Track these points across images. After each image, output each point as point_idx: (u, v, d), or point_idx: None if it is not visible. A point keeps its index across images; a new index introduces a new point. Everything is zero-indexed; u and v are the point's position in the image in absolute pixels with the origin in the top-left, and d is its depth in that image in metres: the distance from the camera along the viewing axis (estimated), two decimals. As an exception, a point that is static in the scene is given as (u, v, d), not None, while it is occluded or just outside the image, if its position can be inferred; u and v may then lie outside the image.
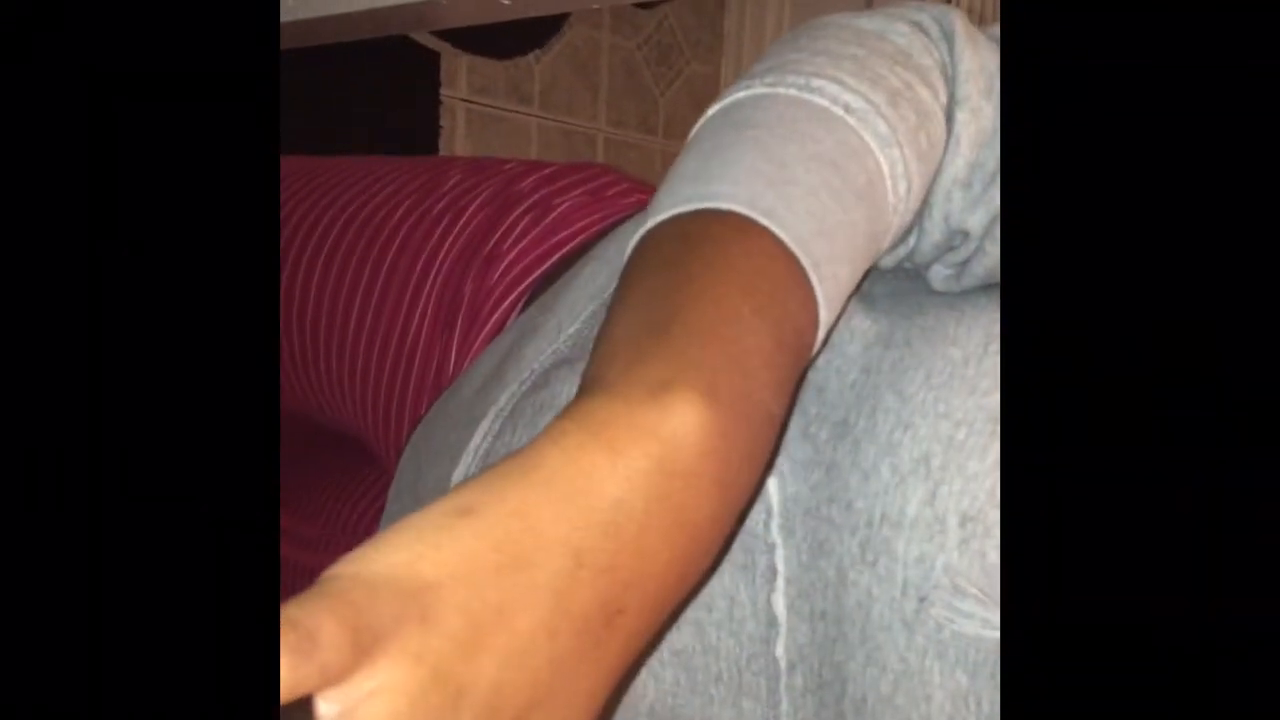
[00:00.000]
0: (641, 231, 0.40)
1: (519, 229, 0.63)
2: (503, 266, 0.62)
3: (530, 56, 1.92)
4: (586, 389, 0.35)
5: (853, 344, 0.43)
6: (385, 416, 0.66)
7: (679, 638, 0.44)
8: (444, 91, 1.82)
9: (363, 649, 0.28)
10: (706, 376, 0.34)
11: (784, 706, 0.42)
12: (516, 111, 1.94)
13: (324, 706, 0.28)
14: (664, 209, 0.40)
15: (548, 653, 0.31)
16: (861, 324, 0.44)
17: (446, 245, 0.64)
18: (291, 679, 0.27)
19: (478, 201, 0.65)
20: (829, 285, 0.38)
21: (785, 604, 0.42)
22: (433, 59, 1.77)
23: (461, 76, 1.82)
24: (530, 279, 0.62)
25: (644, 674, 0.45)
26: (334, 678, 0.27)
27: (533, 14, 1.00)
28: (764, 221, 0.38)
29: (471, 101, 1.87)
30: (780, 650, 0.42)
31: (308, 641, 0.27)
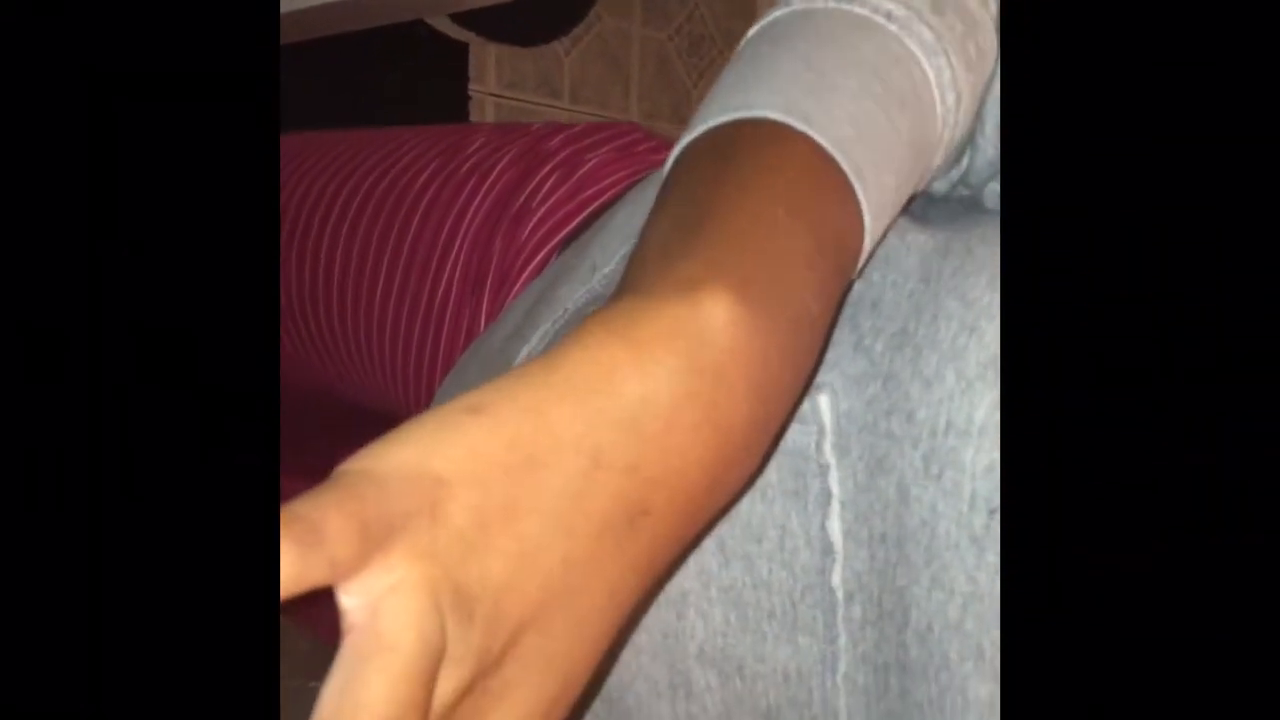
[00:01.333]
0: (678, 147, 0.39)
1: (547, 186, 0.62)
2: (532, 223, 0.61)
3: (560, 49, 1.90)
4: (614, 295, 0.34)
5: (909, 257, 0.42)
6: (416, 379, 0.65)
7: (727, 573, 0.42)
8: (473, 86, 1.81)
9: (374, 542, 0.27)
10: (737, 274, 0.33)
11: (842, 641, 0.40)
12: (547, 105, 1.93)
13: (346, 600, 0.27)
14: (700, 123, 0.39)
15: (562, 553, 0.30)
16: (917, 238, 0.42)
17: (474, 205, 0.63)
18: (296, 570, 0.26)
19: (505, 161, 0.64)
20: (873, 192, 0.37)
21: (841, 529, 0.39)
22: (460, 51, 1.76)
23: (490, 70, 1.81)
24: (560, 235, 0.61)
25: (691, 614, 0.43)
26: (344, 571, 0.27)
27: None
28: (801, 127, 0.37)
29: (501, 96, 1.86)
30: (837, 580, 0.40)
31: (312, 534, 0.26)
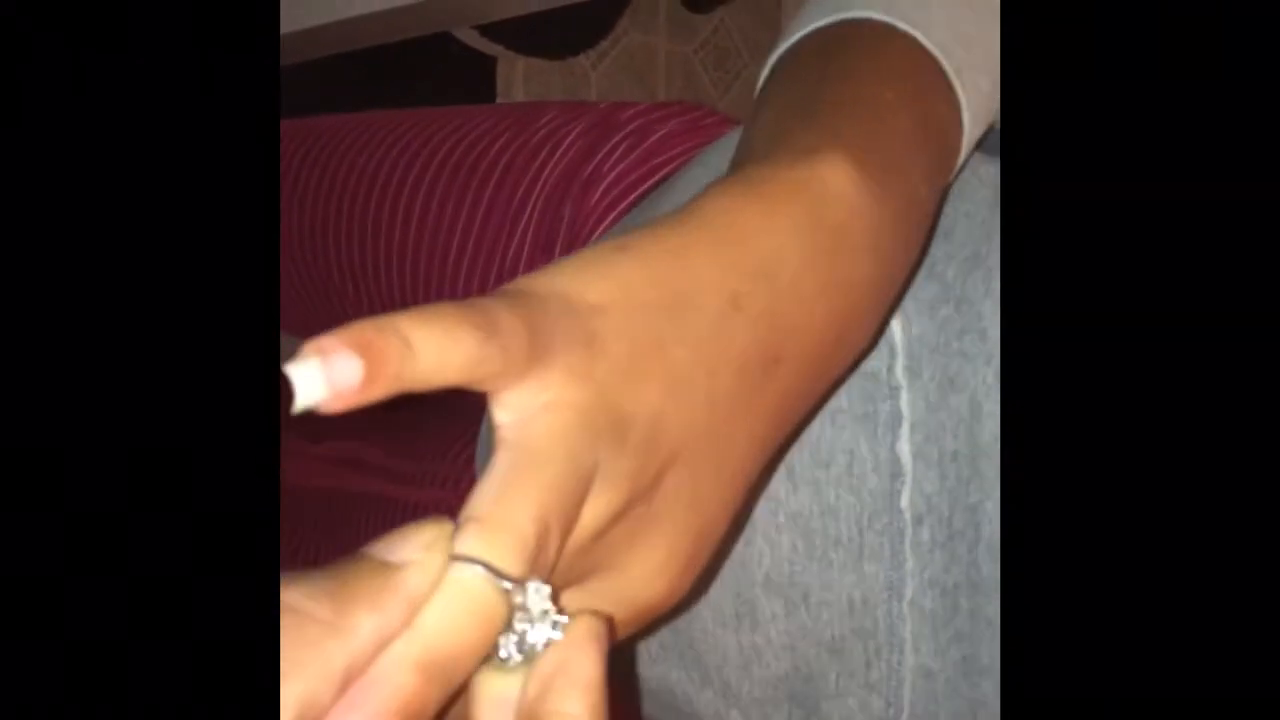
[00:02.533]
0: (775, 53, 0.40)
1: (618, 153, 0.64)
2: (602, 188, 0.63)
3: (586, 63, 1.90)
4: (731, 169, 0.35)
5: (982, 189, 0.43)
6: None
7: (795, 500, 0.42)
8: (501, 99, 1.81)
9: (537, 354, 0.27)
10: (854, 144, 0.34)
11: (909, 566, 0.41)
12: (574, 119, 1.93)
13: (500, 414, 0.27)
14: (797, 29, 0.40)
15: (705, 389, 0.30)
16: (989, 171, 0.43)
17: (546, 172, 0.65)
18: (475, 355, 0.26)
19: (576, 131, 0.66)
20: (971, 93, 0.38)
21: (911, 450, 0.40)
22: (489, 65, 1.76)
23: (518, 84, 1.81)
24: (629, 199, 0.63)
25: (758, 540, 0.43)
26: (514, 369, 0.27)
27: None
28: (903, 26, 0.38)
29: (529, 110, 1.86)
30: (905, 502, 0.40)
31: (488, 322, 0.26)
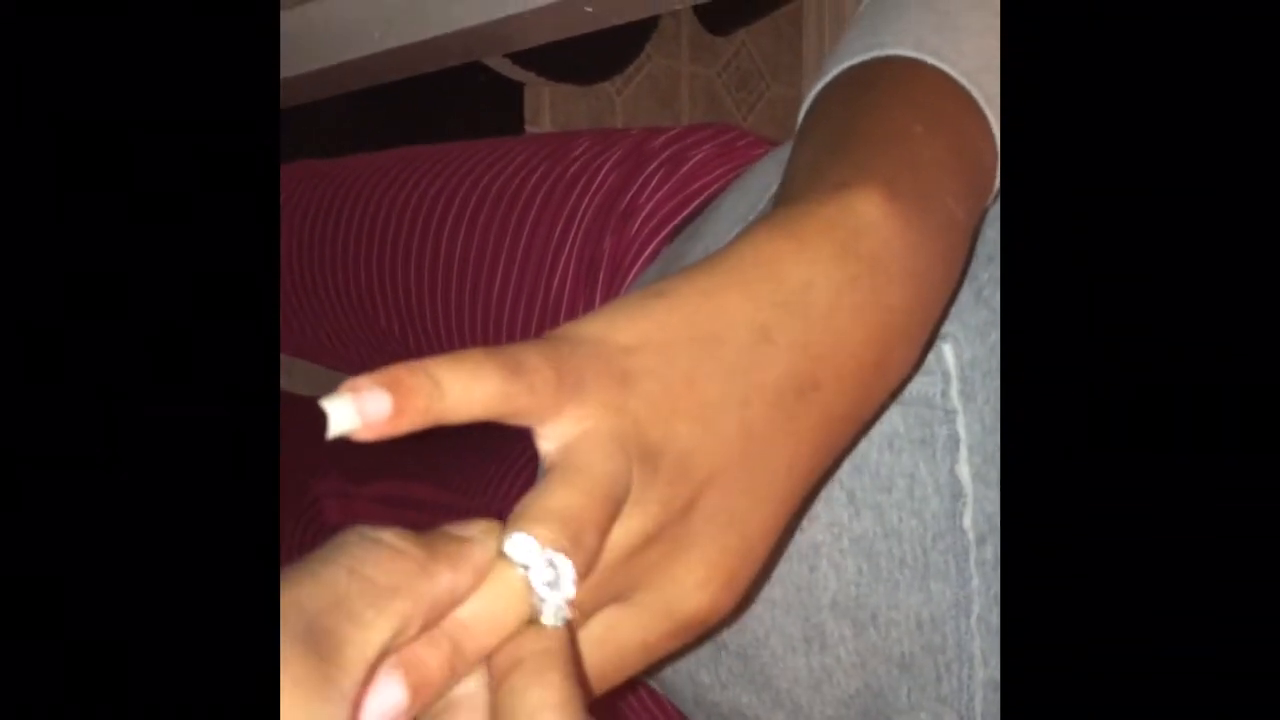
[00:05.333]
0: (811, 94, 0.41)
1: (654, 182, 0.64)
2: (641, 218, 0.63)
3: (611, 89, 1.92)
4: (771, 209, 0.36)
5: None
6: None
7: (858, 524, 0.43)
8: (529, 126, 1.83)
9: (566, 391, 0.30)
10: (883, 175, 0.35)
11: (975, 583, 0.41)
12: (600, 144, 1.94)
13: (543, 444, 0.30)
14: (832, 67, 0.41)
15: (739, 420, 0.32)
16: None
17: (583, 206, 0.65)
18: (500, 390, 0.29)
19: (610, 163, 0.66)
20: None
21: (970, 472, 0.41)
22: (516, 92, 1.78)
23: (545, 111, 1.83)
24: (669, 227, 0.62)
25: (824, 565, 0.44)
26: (542, 405, 0.29)
27: (615, 21, 1.01)
28: (932, 60, 0.39)
29: (555, 136, 1.88)
30: (968, 523, 0.41)
31: (513, 363, 0.29)
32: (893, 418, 0.42)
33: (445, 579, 0.27)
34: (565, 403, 0.30)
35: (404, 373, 0.28)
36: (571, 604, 0.29)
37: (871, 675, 0.44)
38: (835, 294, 0.33)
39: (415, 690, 0.26)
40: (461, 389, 0.28)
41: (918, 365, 0.38)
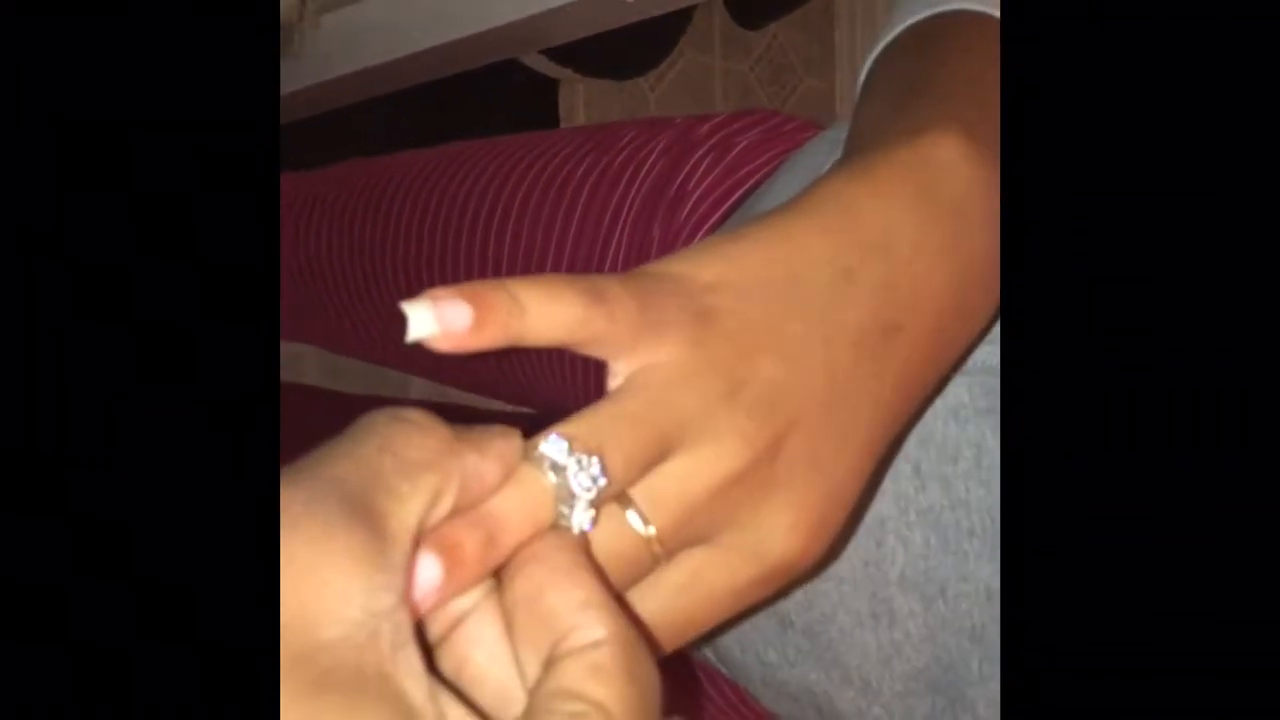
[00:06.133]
0: (874, 51, 0.41)
1: (701, 169, 0.64)
2: (689, 205, 0.63)
3: (645, 85, 1.93)
4: (841, 160, 0.36)
5: None
6: (584, 368, 0.65)
7: (924, 496, 0.43)
8: (565, 125, 1.84)
9: (648, 324, 0.29)
10: (961, 119, 0.35)
11: None
12: (635, 140, 1.95)
13: (613, 381, 0.30)
14: (895, 25, 0.41)
15: (822, 358, 0.32)
16: None
17: (632, 194, 0.65)
18: (581, 314, 0.29)
19: (657, 150, 0.66)
20: None
21: None
22: (551, 90, 1.79)
23: (579, 108, 1.84)
24: (719, 213, 0.62)
25: (890, 540, 0.44)
26: (620, 335, 0.29)
27: (654, 12, 1.00)
28: (997, 14, 0.39)
29: (590, 134, 1.88)
30: None
31: (596, 290, 0.29)
32: (957, 388, 0.42)
33: (472, 460, 0.27)
34: (642, 336, 0.29)
35: (484, 288, 0.28)
36: (598, 507, 0.28)
37: (941, 648, 0.43)
38: (917, 237, 0.33)
39: (450, 570, 0.26)
40: (541, 308, 0.28)
41: (997, 314, 0.37)
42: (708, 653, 0.54)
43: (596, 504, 0.28)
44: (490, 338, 0.28)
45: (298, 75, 1.11)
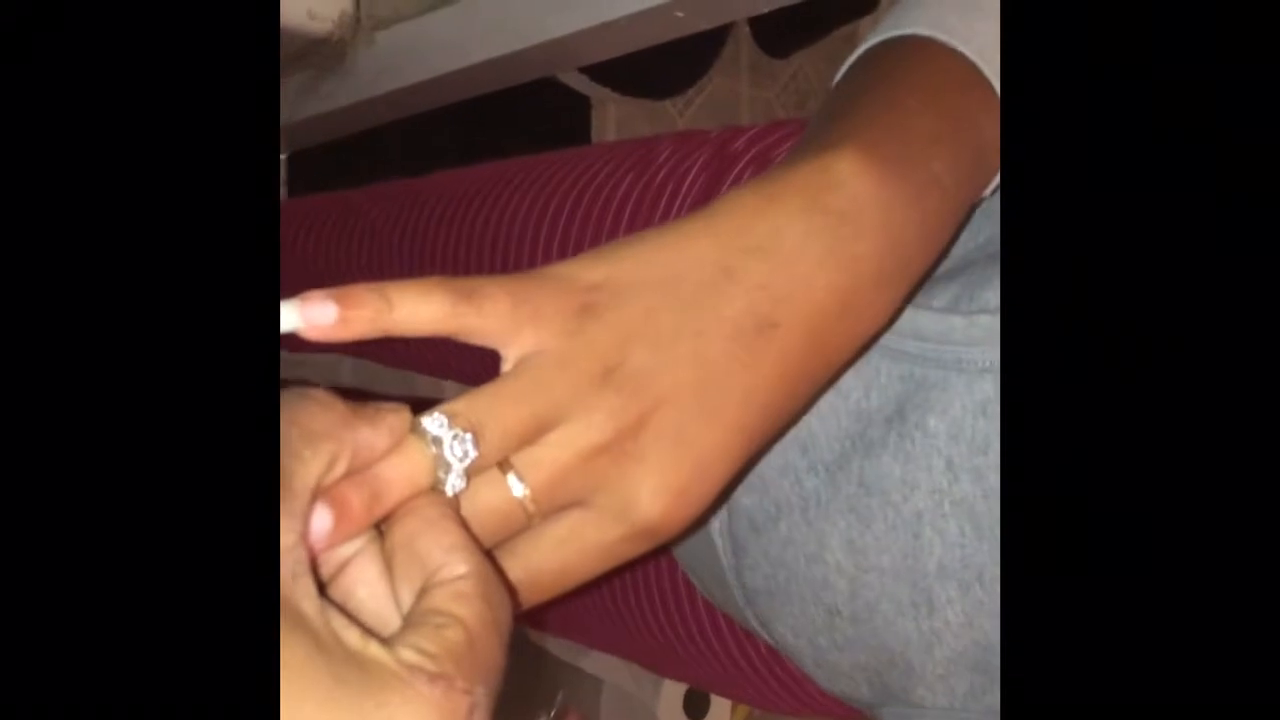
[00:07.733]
0: (840, 73, 0.44)
1: (742, 182, 0.64)
2: None
3: (673, 109, 1.97)
4: None
5: None
6: None
7: (958, 488, 0.44)
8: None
9: (521, 318, 0.34)
10: (864, 138, 0.38)
11: None
12: (662, 163, 1.98)
13: (504, 365, 0.35)
14: (857, 51, 0.44)
15: (693, 348, 0.35)
16: None
17: (674, 211, 0.66)
18: (448, 310, 0.33)
19: (696, 167, 0.67)
20: None
21: None
22: (584, 109, 1.83)
23: (611, 128, 1.88)
24: None
25: (927, 532, 0.46)
26: (495, 328, 0.34)
27: (704, 26, 1.02)
28: (943, 38, 0.41)
29: (619, 155, 1.92)
30: None
31: (466, 288, 0.33)
32: (984, 385, 0.44)
33: (365, 432, 0.32)
34: (524, 328, 0.34)
35: (357, 289, 0.33)
36: (471, 474, 0.33)
37: (980, 633, 0.45)
38: (801, 241, 0.36)
39: (339, 520, 0.31)
40: (410, 305, 0.33)
41: (892, 319, 0.40)
42: (766, 636, 0.57)
43: (470, 472, 0.33)
44: (357, 331, 0.33)
45: (347, 91, 1.14)
